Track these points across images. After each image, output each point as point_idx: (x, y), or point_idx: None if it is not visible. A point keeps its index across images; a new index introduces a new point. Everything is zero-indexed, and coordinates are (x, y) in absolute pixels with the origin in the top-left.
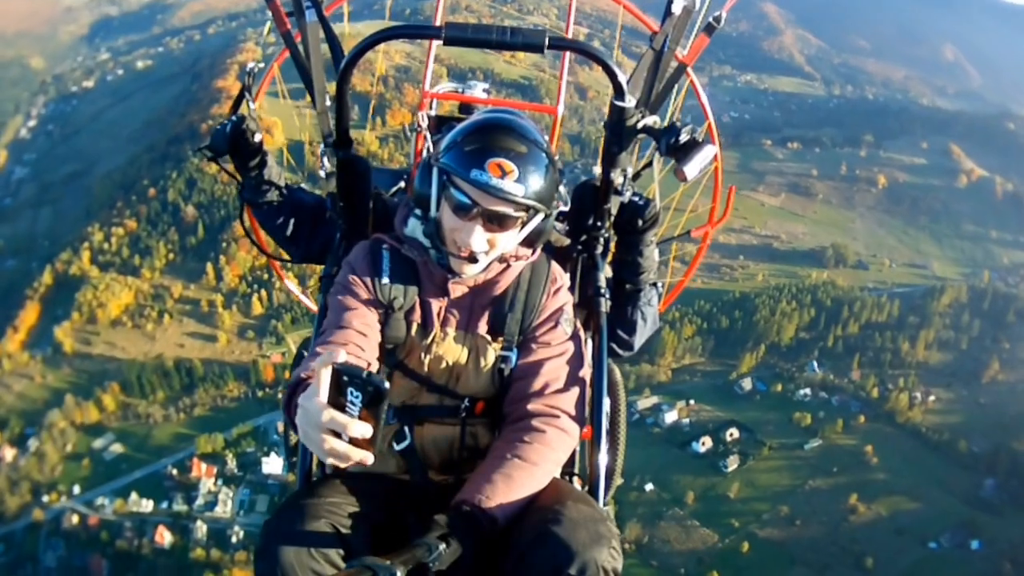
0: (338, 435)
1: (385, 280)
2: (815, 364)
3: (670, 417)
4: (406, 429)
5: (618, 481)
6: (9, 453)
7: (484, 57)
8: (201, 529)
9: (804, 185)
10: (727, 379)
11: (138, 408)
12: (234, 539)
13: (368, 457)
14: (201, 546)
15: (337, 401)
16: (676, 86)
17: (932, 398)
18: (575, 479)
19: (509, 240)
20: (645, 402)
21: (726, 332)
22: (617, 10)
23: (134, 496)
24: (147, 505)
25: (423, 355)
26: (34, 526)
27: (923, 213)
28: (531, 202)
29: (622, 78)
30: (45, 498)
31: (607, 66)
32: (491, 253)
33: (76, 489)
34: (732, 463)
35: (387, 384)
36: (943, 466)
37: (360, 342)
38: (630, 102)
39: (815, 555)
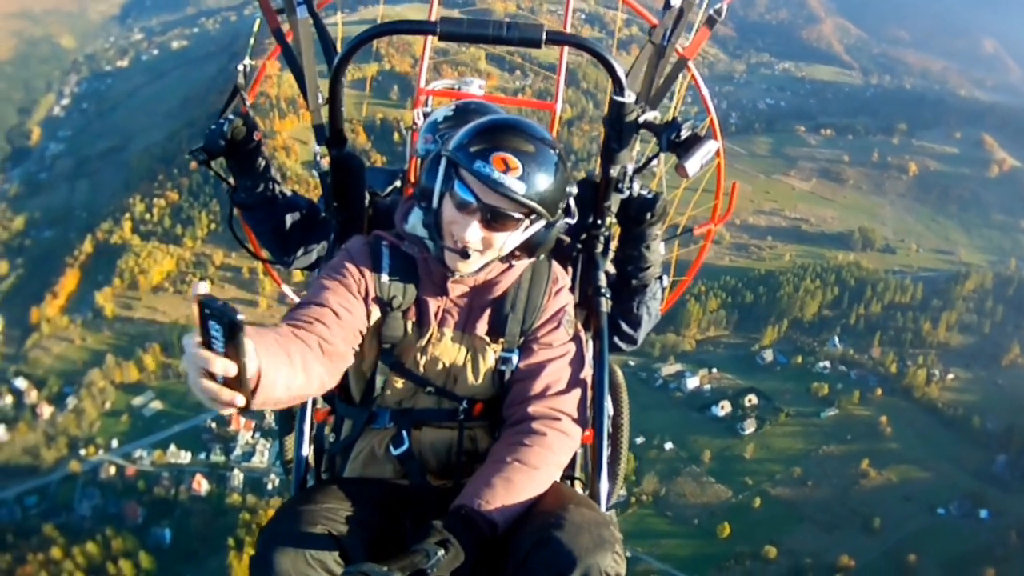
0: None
1: (385, 277)
2: (836, 340)
3: (692, 383)
4: (403, 433)
5: (620, 485)
6: (47, 410)
7: None
8: (238, 477)
9: (835, 171)
10: (749, 351)
11: (178, 368)
12: (269, 486)
13: (238, 399)
14: (237, 492)
15: (207, 339)
16: (677, 80)
17: (950, 376)
18: (576, 483)
19: (506, 241)
20: (669, 369)
21: (750, 307)
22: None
23: (172, 448)
24: (185, 456)
25: (419, 355)
26: (70, 477)
27: (953, 201)
28: (531, 203)
29: (621, 73)
30: (82, 452)
31: (605, 61)
32: (486, 253)
33: (114, 443)
34: (749, 426)
35: (240, 316)
36: (956, 441)
37: (331, 323)
38: (630, 97)
39: (824, 514)
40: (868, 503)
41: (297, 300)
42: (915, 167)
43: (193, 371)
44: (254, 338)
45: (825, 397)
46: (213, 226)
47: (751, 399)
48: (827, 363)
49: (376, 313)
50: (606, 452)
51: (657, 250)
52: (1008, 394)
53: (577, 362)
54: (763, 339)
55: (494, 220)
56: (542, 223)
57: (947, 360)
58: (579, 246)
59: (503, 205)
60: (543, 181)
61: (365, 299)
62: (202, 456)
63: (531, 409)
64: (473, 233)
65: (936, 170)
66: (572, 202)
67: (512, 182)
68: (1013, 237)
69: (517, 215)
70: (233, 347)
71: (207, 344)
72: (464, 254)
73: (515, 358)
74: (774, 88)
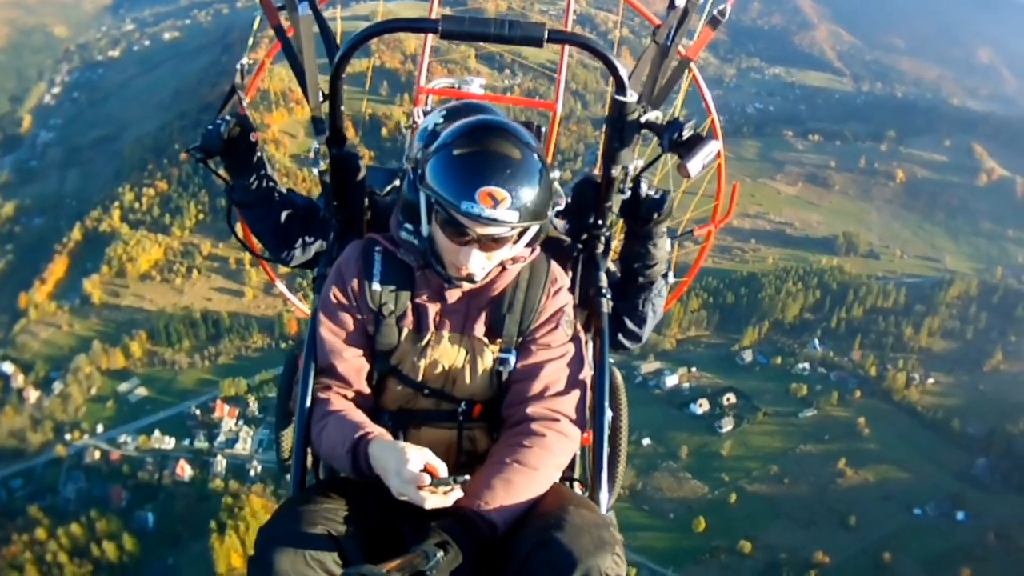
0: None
1: (376, 285)
2: (816, 342)
3: (671, 381)
4: (401, 434)
5: (619, 488)
6: (33, 395)
7: None
8: (221, 463)
9: (822, 176)
10: (729, 351)
11: (164, 355)
12: (252, 473)
13: (460, 493)
14: (220, 478)
15: (439, 483)
16: (679, 81)
17: (931, 381)
18: (576, 484)
19: (508, 252)
20: (648, 367)
21: (731, 308)
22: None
23: (157, 433)
24: (169, 442)
25: (417, 359)
26: (55, 461)
27: (940, 209)
28: (527, 223)
29: (623, 72)
30: (68, 436)
31: (607, 60)
32: (489, 266)
33: (100, 428)
34: (727, 424)
35: (468, 477)
36: (936, 443)
37: (361, 388)
38: (631, 97)
39: (801, 511)
40: (845, 501)
41: (293, 300)
42: (903, 174)
43: (432, 502)
44: (392, 444)
45: (804, 398)
46: (202, 216)
47: (730, 398)
48: (807, 365)
49: (371, 322)
50: (606, 454)
51: (664, 247)
52: (990, 399)
53: (576, 363)
54: (743, 340)
55: (493, 243)
56: (537, 226)
57: (929, 365)
58: (579, 246)
59: (498, 233)
60: (531, 194)
61: (363, 319)
62: (186, 442)
63: (530, 410)
64: (475, 262)
65: (924, 177)
66: (557, 184)
67: (505, 214)
68: (1000, 245)
69: (513, 233)
70: (460, 484)
71: (435, 484)
72: (470, 280)
73: (512, 359)
74: (763, 93)
